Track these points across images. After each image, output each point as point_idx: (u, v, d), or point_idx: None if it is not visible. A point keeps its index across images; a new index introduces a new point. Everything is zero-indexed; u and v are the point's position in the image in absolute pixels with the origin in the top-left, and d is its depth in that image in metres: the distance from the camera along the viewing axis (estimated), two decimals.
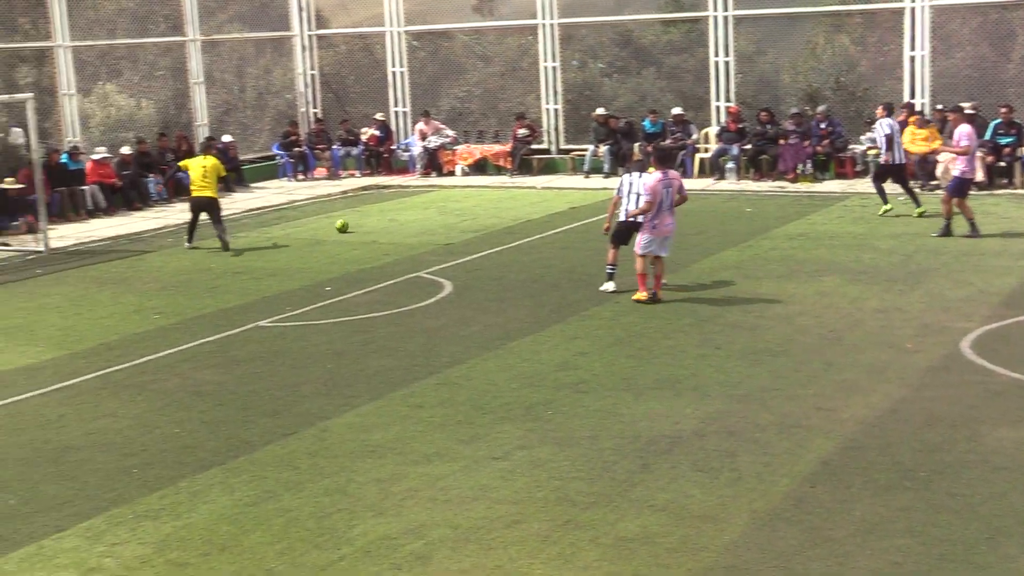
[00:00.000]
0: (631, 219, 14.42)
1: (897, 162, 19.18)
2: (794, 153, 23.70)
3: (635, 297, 14.25)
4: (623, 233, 14.67)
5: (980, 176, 20.63)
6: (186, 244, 19.90)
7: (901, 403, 10.10)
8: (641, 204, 14.13)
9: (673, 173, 14.45)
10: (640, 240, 14.29)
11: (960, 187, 17.32)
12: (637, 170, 14.67)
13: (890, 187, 19.45)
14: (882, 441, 9.18)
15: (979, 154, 19.70)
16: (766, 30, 26.41)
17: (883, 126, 19.13)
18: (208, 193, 19.64)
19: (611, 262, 14.77)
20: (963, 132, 17.31)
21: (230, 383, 11.60)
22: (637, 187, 14.28)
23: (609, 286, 14.69)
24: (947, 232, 17.36)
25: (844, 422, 9.67)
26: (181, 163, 21.96)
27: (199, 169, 19.71)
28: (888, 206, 19.41)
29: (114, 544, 7.90)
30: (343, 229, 20.42)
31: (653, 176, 14.13)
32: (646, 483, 8.54)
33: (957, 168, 17.48)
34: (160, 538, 7.96)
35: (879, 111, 19.69)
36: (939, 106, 22.77)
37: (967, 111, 19.56)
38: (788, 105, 25.03)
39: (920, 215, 18.95)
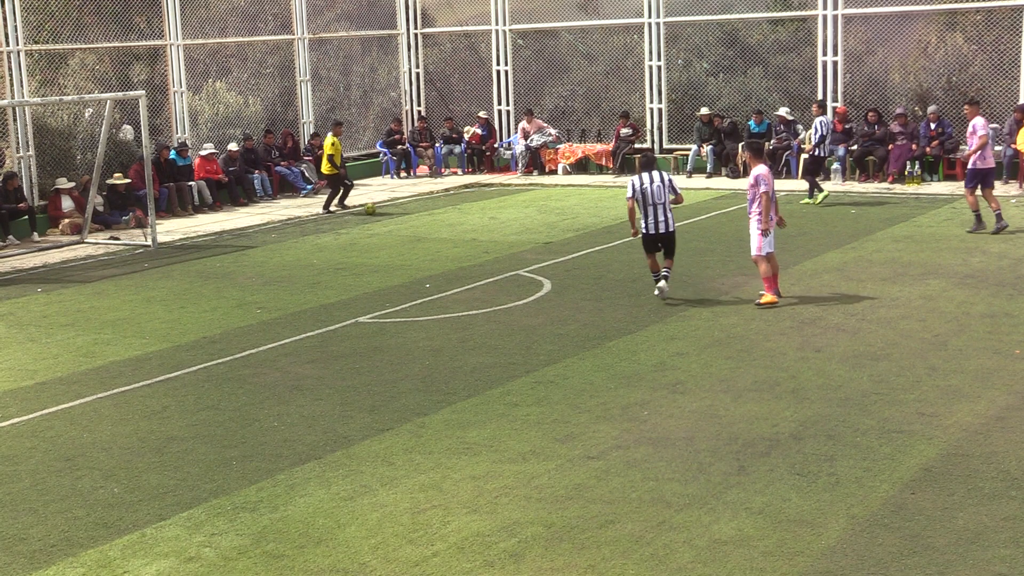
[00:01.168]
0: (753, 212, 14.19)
1: (821, 155, 21.67)
2: (899, 154, 23.27)
3: (764, 301, 13.80)
4: (652, 243, 14.34)
5: None
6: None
7: (1008, 411, 9.86)
8: (760, 197, 13.71)
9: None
10: (759, 239, 13.85)
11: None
12: (646, 170, 14.27)
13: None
14: (987, 449, 8.97)
15: None
16: (876, 29, 25.99)
17: (819, 125, 21.25)
18: (324, 168, 23.42)
19: (654, 269, 14.44)
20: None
21: (329, 378, 11.73)
22: (652, 192, 14.00)
23: (662, 285, 14.33)
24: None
25: (948, 428, 9.47)
26: None
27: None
28: (824, 193, 21.45)
29: (213, 534, 8.03)
30: (371, 211, 22.83)
31: (763, 167, 13.85)
32: (742, 485, 8.45)
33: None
34: (257, 529, 8.08)
35: (814, 108, 22.09)
36: None
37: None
38: (897, 105, 24.57)
39: (819, 203, 21.19)
